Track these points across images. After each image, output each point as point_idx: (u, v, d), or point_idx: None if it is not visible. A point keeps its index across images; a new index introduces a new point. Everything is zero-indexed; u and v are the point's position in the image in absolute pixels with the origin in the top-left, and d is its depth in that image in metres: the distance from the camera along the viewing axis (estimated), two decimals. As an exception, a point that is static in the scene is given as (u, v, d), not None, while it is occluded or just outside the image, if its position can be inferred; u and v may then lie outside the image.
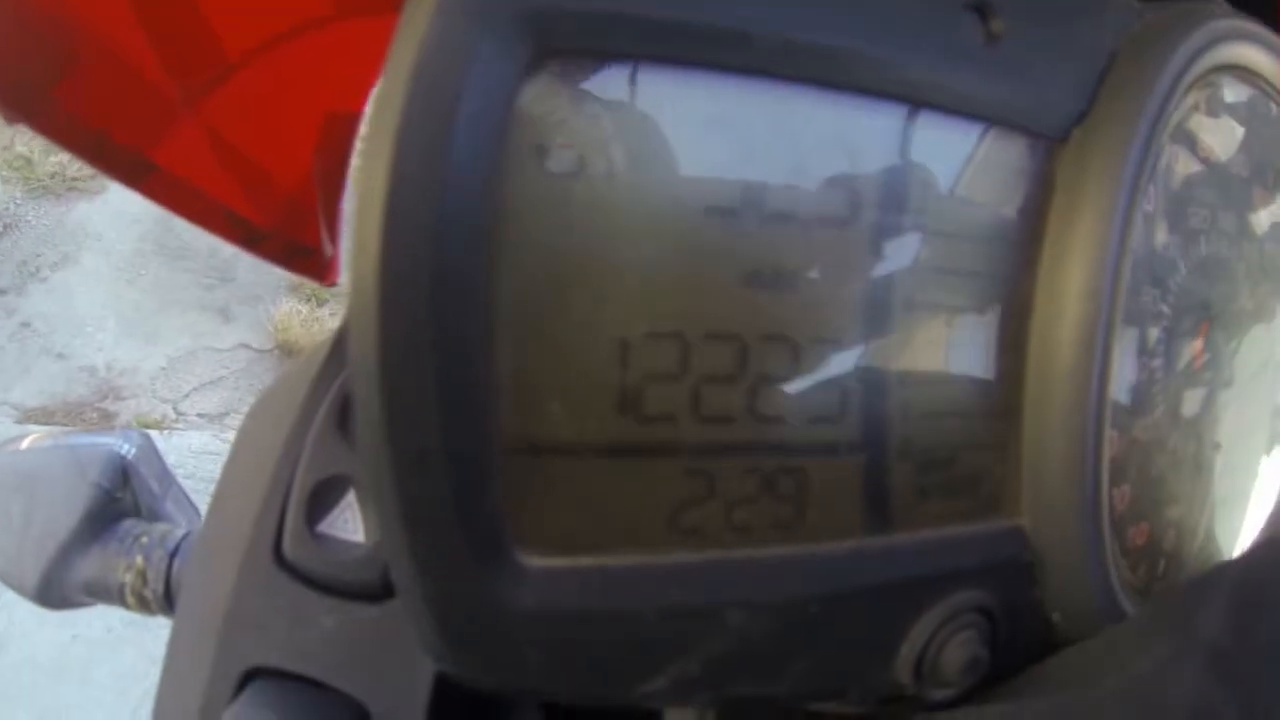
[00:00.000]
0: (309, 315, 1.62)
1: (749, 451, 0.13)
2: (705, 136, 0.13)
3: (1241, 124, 0.19)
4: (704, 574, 0.14)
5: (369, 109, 0.12)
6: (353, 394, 0.12)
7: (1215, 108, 0.18)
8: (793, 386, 0.14)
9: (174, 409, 1.47)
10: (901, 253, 0.14)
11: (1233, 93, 0.19)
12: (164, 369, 1.51)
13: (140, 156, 0.27)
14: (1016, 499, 0.16)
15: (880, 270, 0.14)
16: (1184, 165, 0.18)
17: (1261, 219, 0.20)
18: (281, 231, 0.30)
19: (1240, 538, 0.21)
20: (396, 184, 0.11)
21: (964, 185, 0.15)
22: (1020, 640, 0.17)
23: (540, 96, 0.12)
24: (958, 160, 0.15)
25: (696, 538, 0.14)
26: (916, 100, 0.14)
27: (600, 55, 0.12)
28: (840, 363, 0.14)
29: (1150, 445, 0.18)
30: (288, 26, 0.26)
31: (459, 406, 0.12)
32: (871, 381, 0.14)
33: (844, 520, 0.14)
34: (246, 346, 1.59)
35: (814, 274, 0.14)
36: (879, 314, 0.14)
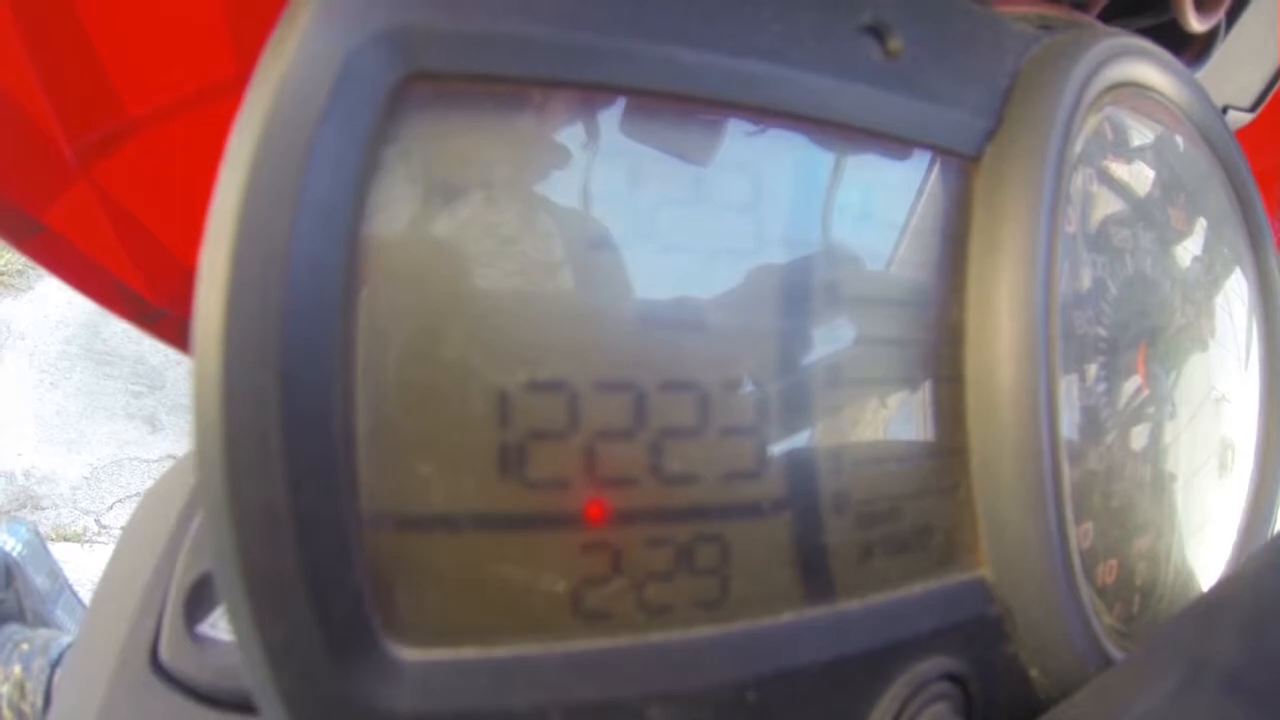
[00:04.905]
0: (241, 425, 1.56)
1: (657, 519, 0.12)
2: (593, 162, 0.12)
3: (1151, 163, 0.19)
4: (616, 663, 0.11)
5: (232, 132, 0.10)
6: (195, 443, 0.10)
7: (1125, 152, 0.18)
8: (702, 439, 0.12)
9: (96, 521, 1.37)
10: (817, 281, 0.13)
11: (1140, 136, 0.19)
12: (87, 478, 1.42)
13: (26, 214, 0.25)
14: (974, 548, 0.15)
15: (794, 302, 0.13)
16: (1098, 188, 0.17)
17: (1180, 240, 0.19)
18: (178, 311, 0.28)
19: (1210, 568, 0.20)
20: (249, 206, 0.10)
21: (881, 209, 0.14)
22: (1000, 705, 0.15)
23: (408, 125, 0.11)
24: (872, 183, 0.14)
25: (603, 621, 0.11)
26: (820, 119, 0.13)
27: (475, 79, 0.11)
28: (755, 409, 0.12)
29: (1108, 475, 0.17)
30: (190, 90, 0.25)
31: (309, 461, 0.10)
32: (792, 427, 0.13)
33: (778, 591, 0.12)
34: (175, 458, 1.51)
35: (718, 310, 0.12)
36: (796, 350, 0.13)
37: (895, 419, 0.14)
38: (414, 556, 0.11)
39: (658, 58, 0.12)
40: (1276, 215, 0.36)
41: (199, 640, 0.19)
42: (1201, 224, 0.21)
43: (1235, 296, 0.22)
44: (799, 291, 0.13)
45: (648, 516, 0.12)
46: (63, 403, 1.52)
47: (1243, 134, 0.28)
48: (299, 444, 0.10)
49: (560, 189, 0.12)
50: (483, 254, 0.11)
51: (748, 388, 0.12)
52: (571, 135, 0.12)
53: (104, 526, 1.38)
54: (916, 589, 0.14)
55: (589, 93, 0.12)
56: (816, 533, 0.13)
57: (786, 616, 0.12)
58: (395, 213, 0.11)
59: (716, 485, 0.12)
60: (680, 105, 0.12)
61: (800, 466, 0.13)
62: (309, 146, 0.10)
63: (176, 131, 0.26)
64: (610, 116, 0.12)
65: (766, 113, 0.13)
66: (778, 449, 0.12)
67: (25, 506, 1.38)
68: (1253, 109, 0.27)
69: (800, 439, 0.13)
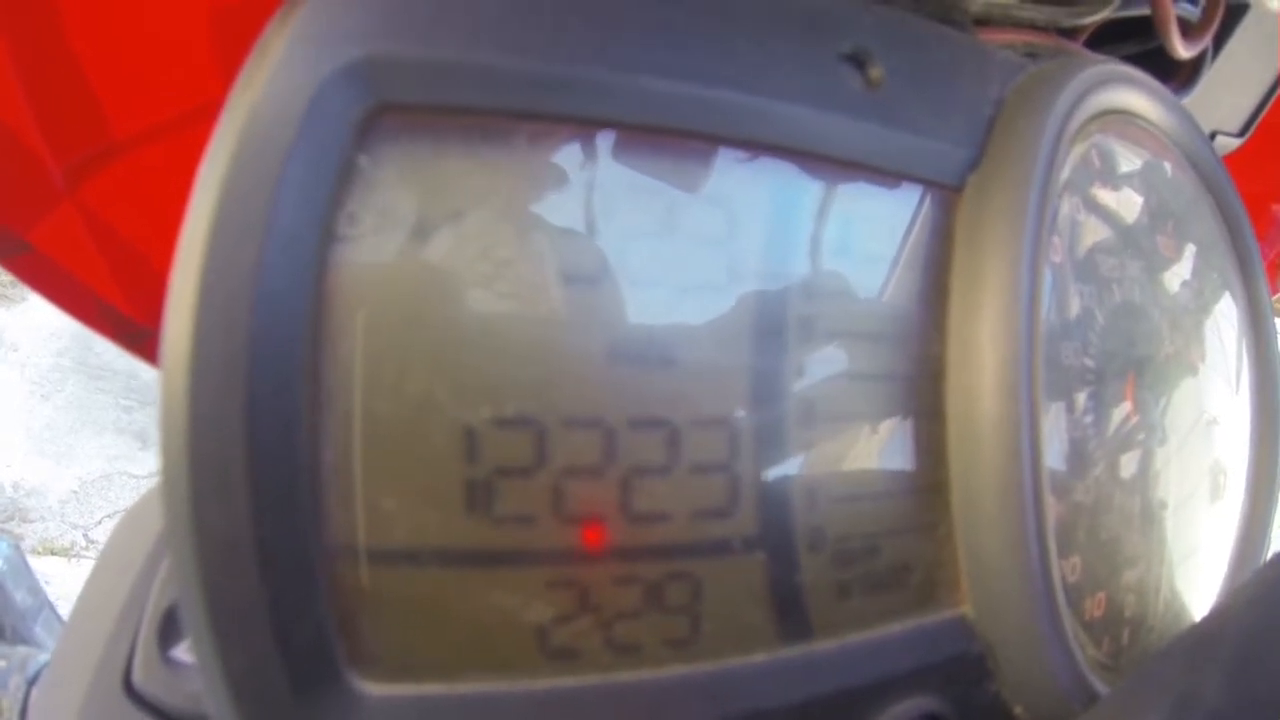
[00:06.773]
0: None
1: (626, 556, 0.11)
2: (562, 197, 0.12)
3: (1139, 190, 0.19)
4: (582, 703, 0.11)
5: (203, 160, 0.11)
6: (161, 472, 0.10)
7: (1112, 179, 0.18)
8: (672, 477, 0.12)
9: (84, 536, 1.36)
10: (792, 315, 0.13)
11: (1128, 163, 0.19)
12: (75, 492, 1.41)
13: (13, 232, 0.25)
14: (955, 585, 0.14)
15: (766, 336, 0.13)
16: (1085, 216, 0.17)
17: (1168, 266, 0.19)
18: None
19: (1202, 596, 0.20)
20: (217, 236, 0.10)
21: (859, 241, 0.14)
22: None
23: (377, 156, 0.11)
24: (850, 215, 0.14)
25: (571, 660, 0.11)
26: (797, 150, 0.13)
27: (445, 110, 0.11)
28: (726, 445, 0.12)
29: (1095, 507, 0.17)
30: (177, 111, 0.25)
31: (273, 493, 0.10)
32: (766, 464, 0.12)
33: (750, 630, 0.12)
34: (163, 474, 1.50)
35: (690, 345, 0.12)
36: (768, 386, 0.13)
37: (874, 455, 0.14)
38: (378, 590, 0.11)
39: (629, 89, 0.12)
40: (1266, 239, 0.36)
41: (172, 664, 0.19)
42: (1190, 250, 0.20)
43: (1225, 320, 0.22)
44: (774, 326, 0.13)
45: (616, 554, 0.11)
46: (53, 416, 1.52)
47: (1232, 159, 0.28)
48: (263, 475, 0.10)
49: (530, 222, 0.12)
50: (450, 287, 0.11)
51: (720, 424, 0.12)
52: (542, 168, 0.12)
53: (91, 541, 1.37)
54: (895, 628, 0.13)
55: (558, 125, 0.12)
56: (791, 571, 0.12)
57: (759, 656, 0.12)
58: (363, 244, 0.11)
59: (687, 523, 0.12)
60: (653, 137, 0.12)
61: (774, 504, 0.12)
62: (277, 177, 0.10)
63: (163, 153, 0.26)
64: (581, 149, 0.12)
65: (742, 144, 0.13)
66: (751, 486, 0.12)
67: (13, 519, 1.38)
68: (1241, 134, 0.27)
69: (774, 476, 0.12)
